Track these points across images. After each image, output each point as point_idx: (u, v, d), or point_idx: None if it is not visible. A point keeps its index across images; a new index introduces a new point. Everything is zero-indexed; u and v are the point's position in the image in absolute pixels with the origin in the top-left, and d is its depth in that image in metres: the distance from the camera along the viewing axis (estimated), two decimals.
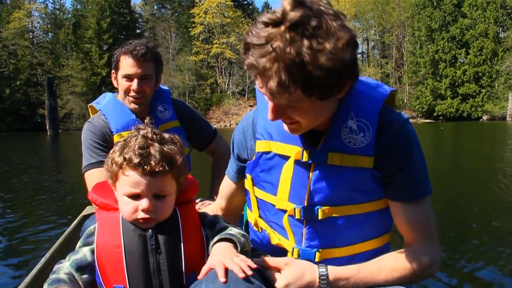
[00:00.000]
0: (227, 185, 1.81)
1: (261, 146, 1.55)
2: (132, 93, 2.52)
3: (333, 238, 1.48)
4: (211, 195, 2.79)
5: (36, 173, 11.23)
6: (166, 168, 1.41)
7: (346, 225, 1.47)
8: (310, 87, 1.18)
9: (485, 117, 55.29)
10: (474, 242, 4.46)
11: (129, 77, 2.51)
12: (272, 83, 1.17)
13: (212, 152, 2.96)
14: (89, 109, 2.71)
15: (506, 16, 57.05)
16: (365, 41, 71.53)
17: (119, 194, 1.45)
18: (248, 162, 1.62)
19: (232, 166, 1.75)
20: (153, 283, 1.42)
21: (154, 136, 1.45)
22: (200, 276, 1.32)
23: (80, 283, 1.44)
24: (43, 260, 2.19)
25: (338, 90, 1.25)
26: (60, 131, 45.55)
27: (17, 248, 4.44)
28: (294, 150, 1.45)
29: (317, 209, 1.46)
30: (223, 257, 1.32)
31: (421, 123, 54.17)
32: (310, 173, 1.45)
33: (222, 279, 1.23)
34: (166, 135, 1.50)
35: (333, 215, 1.46)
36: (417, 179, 1.45)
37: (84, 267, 1.44)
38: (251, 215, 1.69)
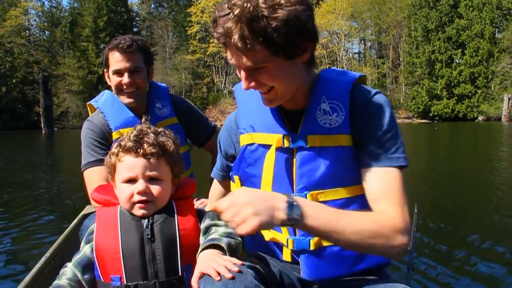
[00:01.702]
0: (216, 188, 1.87)
1: (245, 139, 1.61)
2: (124, 88, 2.52)
3: None
4: None
5: (27, 172, 11.18)
6: (159, 151, 1.50)
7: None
8: (272, 43, 1.28)
9: (480, 118, 55.34)
10: (471, 238, 4.53)
11: (119, 72, 2.50)
12: (236, 39, 1.27)
13: (211, 149, 2.95)
14: (88, 108, 2.73)
15: (502, 17, 57.09)
16: (362, 41, 71.59)
17: (117, 184, 1.53)
18: (234, 161, 1.67)
19: (217, 165, 1.81)
20: (149, 273, 1.45)
21: (149, 129, 1.57)
22: (193, 283, 1.32)
23: (83, 283, 1.49)
24: (43, 259, 2.20)
25: (301, 51, 1.37)
26: (56, 129, 45.37)
27: (17, 248, 4.45)
28: (275, 138, 1.51)
29: (306, 195, 1.49)
30: (208, 262, 1.32)
31: (416, 123, 54.25)
32: (294, 159, 1.51)
33: (217, 278, 1.23)
34: (160, 129, 1.61)
35: (322, 199, 1.48)
36: (389, 146, 1.46)
37: (85, 265, 1.50)
38: None
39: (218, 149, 1.80)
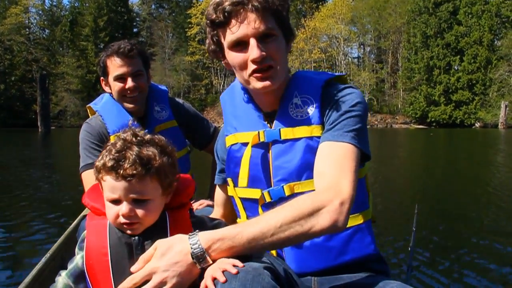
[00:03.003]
0: (219, 192, 1.93)
1: (229, 140, 1.69)
2: (128, 93, 2.51)
3: None
4: (210, 194, 2.79)
5: (19, 170, 11.11)
6: (142, 171, 1.36)
7: None
8: (280, 13, 1.48)
9: (477, 124, 55.40)
10: (470, 240, 4.58)
11: (121, 78, 2.49)
12: (255, 8, 1.42)
13: (212, 151, 2.95)
14: (88, 110, 2.73)
15: (500, 25, 57.20)
16: (361, 46, 71.71)
17: (105, 200, 1.43)
18: (225, 164, 1.74)
19: (217, 169, 1.87)
20: None
21: (134, 138, 1.41)
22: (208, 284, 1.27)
23: None
24: (43, 260, 2.21)
25: (289, 37, 1.56)
26: (53, 128, 45.26)
27: (17, 248, 4.44)
28: (252, 135, 1.59)
29: (282, 187, 1.55)
30: (213, 265, 1.27)
31: (413, 128, 54.30)
32: (270, 153, 1.58)
33: (222, 279, 1.21)
34: (148, 136, 1.45)
35: (299, 191, 1.53)
36: (344, 126, 1.50)
37: (78, 276, 1.44)
38: (240, 222, 1.73)
39: (215, 156, 1.88)
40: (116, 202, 1.39)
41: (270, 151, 1.58)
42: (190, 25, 66.79)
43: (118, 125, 2.52)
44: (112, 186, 1.37)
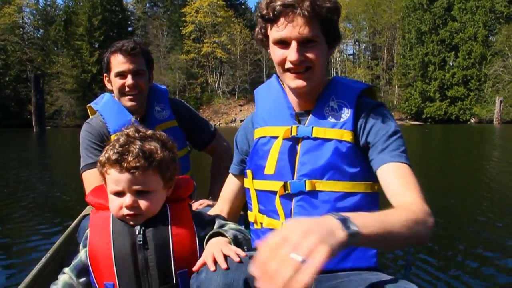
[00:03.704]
0: (229, 185, 1.95)
1: (258, 133, 1.75)
2: (127, 90, 2.51)
3: (321, 213, 1.43)
4: (210, 194, 2.81)
5: (17, 170, 10.99)
6: (145, 163, 1.42)
7: (333, 202, 1.57)
8: (326, 21, 1.54)
9: (472, 120, 55.66)
10: (469, 237, 4.55)
11: (122, 74, 2.49)
12: (307, 5, 1.48)
13: (212, 152, 2.97)
14: (88, 110, 2.73)
15: (495, 21, 57.45)
16: (356, 43, 71.77)
17: (108, 193, 1.50)
18: (248, 157, 1.79)
19: (234, 160, 1.93)
20: (142, 281, 1.45)
21: (137, 134, 1.49)
22: (195, 268, 1.36)
23: (80, 287, 1.50)
24: (43, 260, 2.21)
25: (333, 44, 1.63)
26: (48, 128, 45.02)
27: (17, 248, 4.42)
28: (284, 129, 1.65)
29: (304, 182, 1.58)
30: (213, 249, 1.36)
31: (409, 125, 54.35)
32: (298, 147, 1.63)
33: (212, 267, 1.27)
34: (149, 132, 1.53)
35: (320, 189, 1.58)
36: (397, 146, 1.57)
37: (80, 270, 1.50)
38: (252, 214, 1.77)
39: (235, 146, 1.93)
40: (120, 194, 1.45)
41: (300, 146, 1.63)
42: (185, 24, 66.79)
43: (119, 124, 2.48)
44: (116, 178, 1.44)
